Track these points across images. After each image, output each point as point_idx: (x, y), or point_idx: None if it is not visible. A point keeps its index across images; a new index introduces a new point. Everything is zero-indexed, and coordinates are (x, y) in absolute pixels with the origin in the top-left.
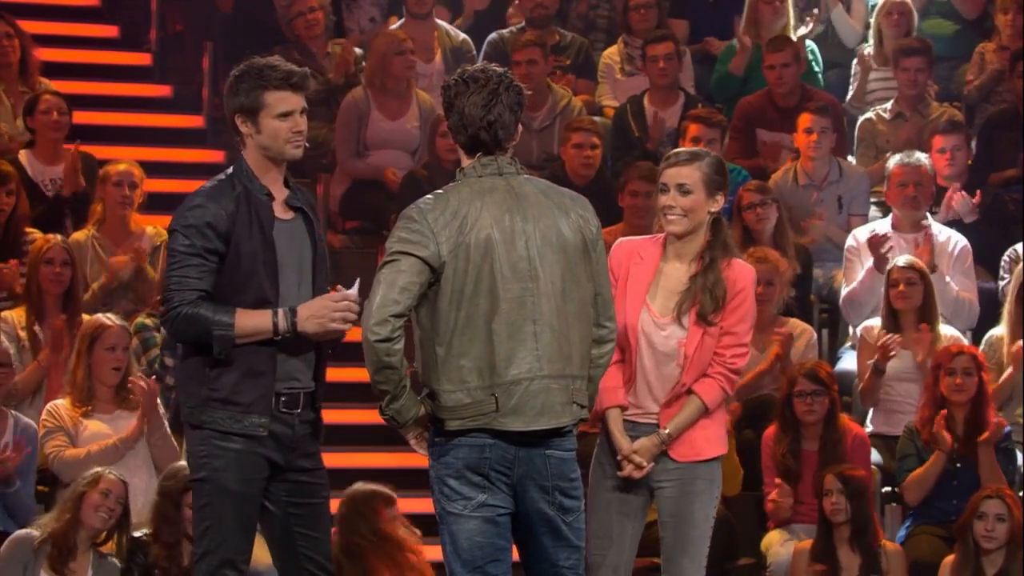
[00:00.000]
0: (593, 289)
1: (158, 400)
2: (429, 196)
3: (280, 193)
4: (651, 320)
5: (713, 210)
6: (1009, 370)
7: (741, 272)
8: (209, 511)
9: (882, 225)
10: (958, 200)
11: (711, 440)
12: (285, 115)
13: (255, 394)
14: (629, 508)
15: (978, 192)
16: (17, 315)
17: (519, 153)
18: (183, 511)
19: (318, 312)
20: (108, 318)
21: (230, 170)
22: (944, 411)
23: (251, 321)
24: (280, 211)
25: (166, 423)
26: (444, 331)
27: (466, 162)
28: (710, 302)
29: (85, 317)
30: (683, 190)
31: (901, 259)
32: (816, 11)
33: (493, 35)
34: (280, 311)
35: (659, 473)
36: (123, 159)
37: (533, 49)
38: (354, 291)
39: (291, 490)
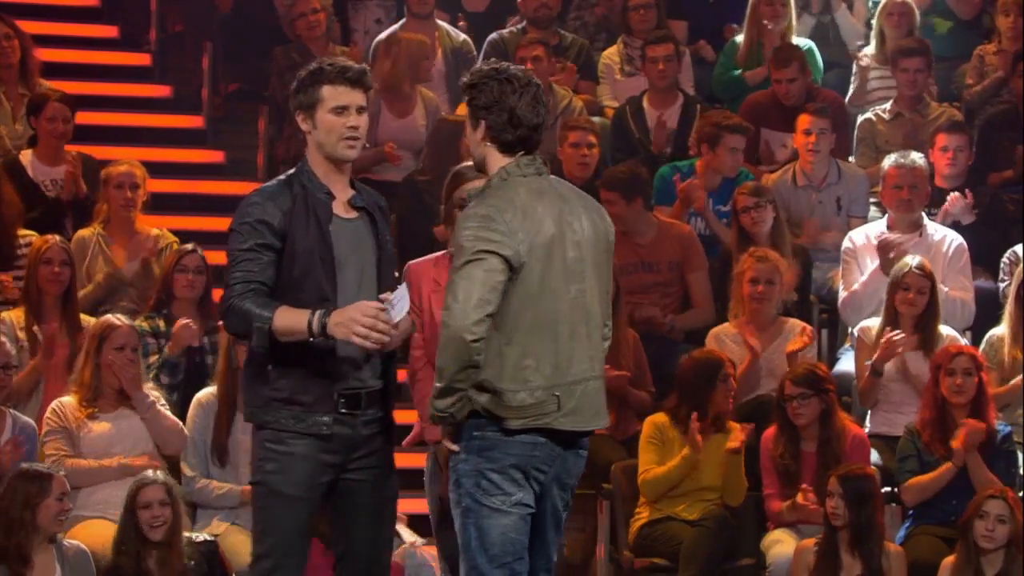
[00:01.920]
0: (608, 289)
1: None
2: (488, 196)
3: (343, 193)
4: None
5: None
6: (1018, 379)
7: (411, 273)
8: (263, 514)
9: (878, 226)
10: (953, 202)
11: None
12: (340, 110)
13: (317, 393)
14: None
15: (968, 192)
16: (16, 316)
17: None
18: (138, 514)
19: (345, 319)
20: (118, 318)
21: (292, 170)
22: (966, 427)
23: (289, 319)
24: (341, 210)
25: (152, 400)
26: (512, 331)
27: (500, 160)
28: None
29: (86, 318)
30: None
31: (912, 261)
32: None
33: (493, 35)
34: (318, 312)
35: None
36: (124, 160)
37: (537, 47)
38: (403, 303)
39: (354, 490)
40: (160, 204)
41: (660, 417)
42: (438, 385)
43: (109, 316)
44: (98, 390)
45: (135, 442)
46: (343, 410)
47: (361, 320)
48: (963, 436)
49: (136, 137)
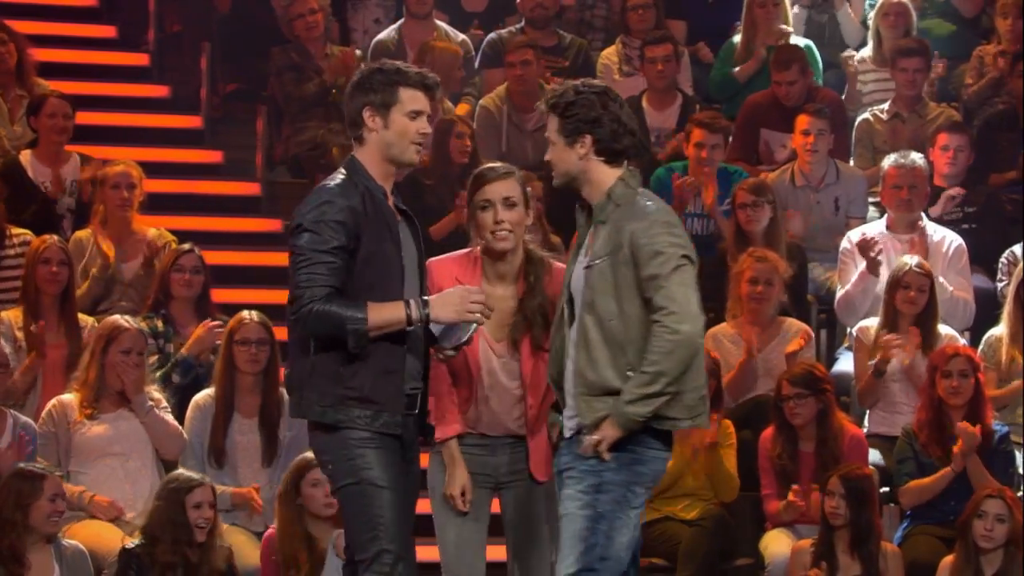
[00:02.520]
0: None
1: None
2: (648, 201)
3: (390, 197)
4: (487, 348)
5: (528, 223)
6: (1017, 382)
7: (557, 276)
8: (368, 512)
9: (876, 226)
10: (947, 202)
11: None
12: (416, 114)
13: (389, 393)
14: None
15: (958, 189)
16: (14, 315)
17: (514, 156)
18: (188, 513)
19: (455, 301)
20: (126, 320)
21: (345, 170)
22: (961, 433)
23: (384, 313)
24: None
25: (151, 404)
26: None
27: (608, 172)
28: (541, 329)
29: (84, 318)
30: (509, 203)
31: (911, 260)
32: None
33: (492, 35)
34: (412, 301)
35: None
36: (121, 160)
37: (526, 51)
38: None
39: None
40: (158, 204)
41: None
42: (648, 390)
43: (117, 318)
44: (101, 391)
45: (132, 445)
46: (406, 410)
47: (471, 299)
48: (961, 443)
49: (134, 137)
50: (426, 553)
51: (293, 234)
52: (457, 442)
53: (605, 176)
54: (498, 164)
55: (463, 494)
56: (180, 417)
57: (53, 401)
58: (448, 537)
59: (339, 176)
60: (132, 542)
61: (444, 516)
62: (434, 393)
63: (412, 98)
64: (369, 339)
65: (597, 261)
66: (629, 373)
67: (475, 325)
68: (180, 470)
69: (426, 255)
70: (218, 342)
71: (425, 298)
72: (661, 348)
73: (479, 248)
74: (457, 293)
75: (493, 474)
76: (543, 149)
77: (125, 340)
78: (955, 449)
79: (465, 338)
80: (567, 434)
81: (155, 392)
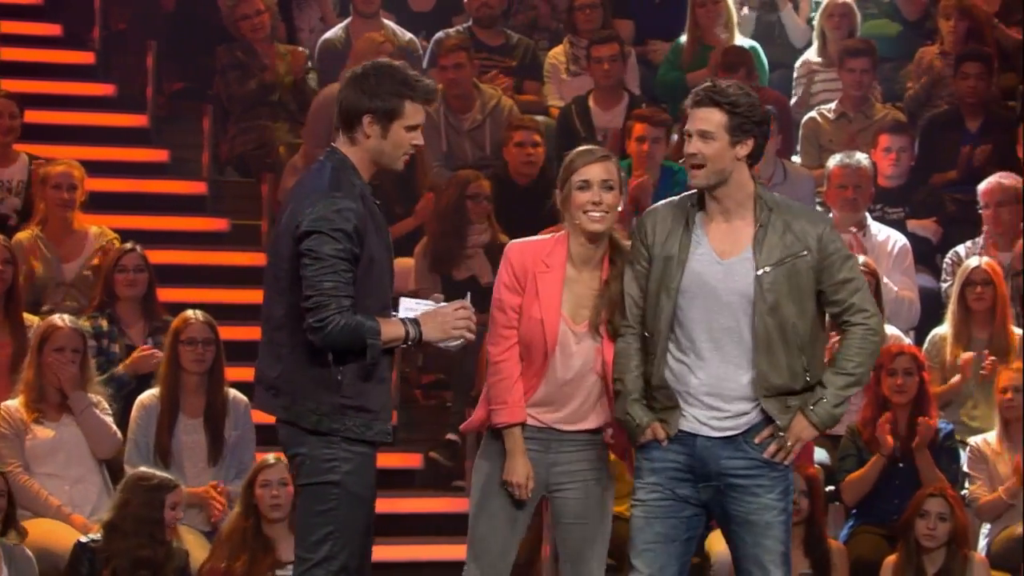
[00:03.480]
0: None
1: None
2: (795, 204)
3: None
4: (568, 330)
5: (620, 209)
6: (957, 377)
7: None
8: (334, 515)
9: None
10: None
11: None
12: (413, 128)
13: (382, 401)
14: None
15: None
16: None
17: (455, 156)
18: (164, 513)
19: (441, 323)
20: (61, 319)
21: (334, 165)
22: (888, 415)
23: (390, 329)
24: None
25: (89, 402)
26: None
27: (748, 176)
28: (621, 316)
29: (30, 318)
30: (607, 185)
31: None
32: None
33: (440, 34)
34: (407, 321)
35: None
36: (62, 159)
37: (459, 53)
38: (467, 301)
39: None
40: (104, 203)
41: None
42: (850, 391)
43: (54, 317)
44: (41, 391)
45: (76, 452)
46: None
47: (457, 316)
48: (884, 428)
49: (80, 136)
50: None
51: (308, 238)
52: (520, 430)
53: (747, 179)
54: (595, 147)
55: (527, 482)
56: (127, 418)
57: (1, 407)
58: (479, 523)
59: (337, 175)
60: (88, 536)
61: (482, 501)
62: (502, 376)
63: (414, 113)
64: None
65: (777, 265)
66: (807, 376)
67: (461, 341)
68: (146, 468)
69: None
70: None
71: (415, 318)
72: (866, 349)
73: (564, 231)
74: (443, 313)
75: (543, 473)
76: (481, 147)
77: (58, 338)
78: (884, 433)
79: (454, 347)
80: (724, 433)
81: (98, 392)
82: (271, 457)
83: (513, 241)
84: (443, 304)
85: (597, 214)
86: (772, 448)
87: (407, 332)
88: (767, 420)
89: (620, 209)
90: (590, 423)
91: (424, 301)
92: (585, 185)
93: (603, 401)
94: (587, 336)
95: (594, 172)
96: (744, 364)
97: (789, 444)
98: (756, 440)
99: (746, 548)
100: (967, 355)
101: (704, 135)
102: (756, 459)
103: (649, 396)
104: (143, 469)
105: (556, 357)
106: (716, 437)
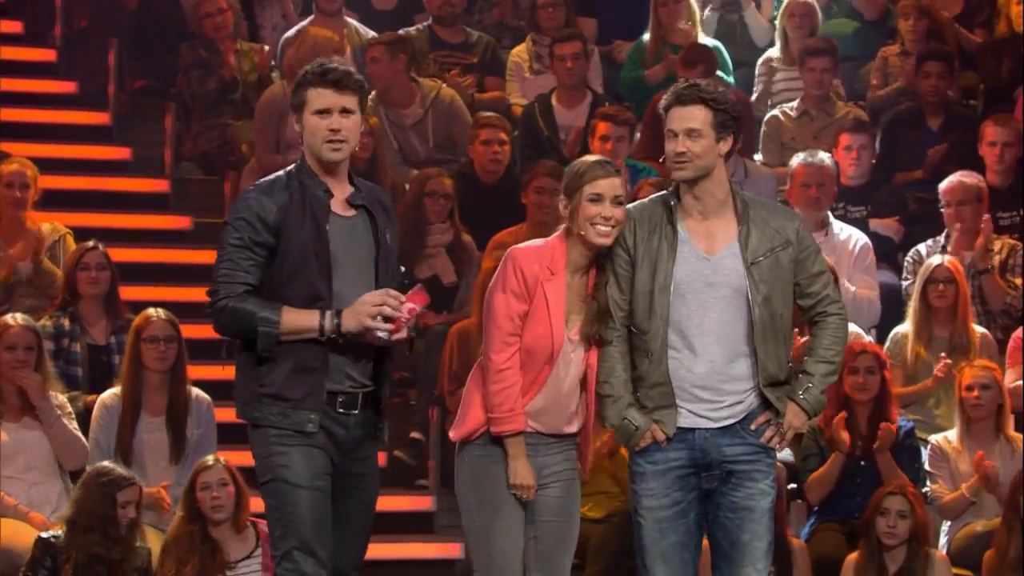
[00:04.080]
0: None
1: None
2: (766, 199)
3: (342, 191)
4: (567, 338)
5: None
6: (928, 382)
7: None
8: (281, 512)
9: None
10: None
11: None
12: (322, 112)
13: (305, 390)
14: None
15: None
16: None
17: (408, 154)
18: (115, 510)
19: (356, 309)
20: (13, 318)
21: (292, 167)
22: (843, 413)
23: (298, 320)
24: (339, 208)
25: (58, 413)
26: None
27: (724, 171)
28: (607, 323)
29: None
30: (617, 201)
31: None
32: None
33: (400, 33)
34: (328, 313)
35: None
36: (16, 157)
37: (377, 48)
38: (419, 296)
39: (339, 487)
40: (66, 201)
41: None
42: (832, 379)
43: (6, 316)
44: None
45: (35, 456)
46: (340, 410)
47: (370, 301)
48: (878, 442)
49: (41, 133)
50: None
51: (222, 230)
52: (523, 437)
53: (725, 176)
54: (607, 160)
55: (534, 483)
56: (86, 416)
57: None
58: (495, 536)
59: (278, 173)
60: (50, 532)
61: (491, 514)
62: (507, 384)
63: (317, 97)
64: (279, 342)
65: (764, 257)
66: (789, 364)
67: (418, 307)
68: (107, 463)
69: None
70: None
71: (341, 310)
72: (841, 339)
73: (562, 235)
74: (361, 301)
75: (535, 475)
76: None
77: (9, 337)
78: (840, 433)
79: (385, 336)
80: (722, 423)
81: (55, 389)
82: (209, 459)
83: (516, 247)
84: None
85: (606, 228)
86: (768, 433)
87: (322, 324)
88: (760, 407)
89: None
90: (574, 427)
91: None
92: (598, 199)
93: (582, 406)
94: (579, 344)
95: (609, 187)
96: (735, 355)
97: (783, 430)
98: (752, 427)
99: (741, 535)
100: (943, 363)
101: (691, 132)
102: (754, 444)
103: (641, 395)
104: (103, 464)
105: (559, 363)
106: (715, 428)
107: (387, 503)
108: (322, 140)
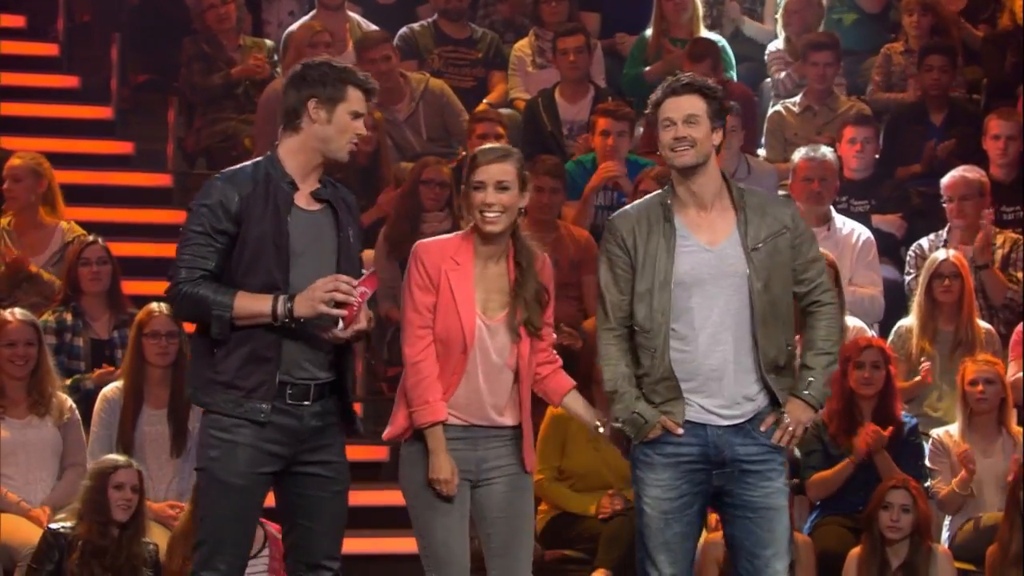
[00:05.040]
0: None
1: None
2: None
3: (308, 185)
4: (482, 324)
5: (522, 206)
6: (917, 379)
7: (546, 265)
8: (204, 501)
9: None
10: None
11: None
12: (357, 115)
13: (258, 380)
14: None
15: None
16: None
17: (403, 148)
18: (108, 493)
19: (307, 294)
20: (12, 313)
21: (260, 157)
22: (872, 428)
23: (250, 304)
24: (304, 201)
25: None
26: None
27: (716, 163)
28: (536, 309)
29: None
30: (501, 186)
31: None
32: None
33: (404, 29)
34: (281, 297)
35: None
36: (27, 151)
37: (386, 46)
38: (370, 283)
39: (298, 482)
40: (69, 195)
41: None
42: (833, 368)
43: (5, 311)
44: (1, 388)
45: (36, 454)
46: (290, 401)
47: (321, 286)
48: (864, 437)
49: (44, 128)
50: (395, 545)
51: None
52: (442, 428)
53: (717, 168)
54: (497, 145)
55: (451, 478)
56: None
57: None
58: (435, 530)
59: (245, 163)
60: (58, 524)
61: (427, 509)
62: (421, 376)
63: (358, 99)
64: (232, 327)
65: (761, 244)
66: (789, 349)
67: (340, 324)
68: (109, 456)
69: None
70: None
71: (294, 294)
72: (836, 328)
73: (470, 227)
74: (312, 287)
75: (474, 470)
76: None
77: (9, 333)
78: (857, 441)
79: (340, 326)
80: (726, 422)
81: (60, 395)
82: None
83: (420, 241)
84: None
85: (491, 215)
86: (778, 434)
87: (274, 309)
88: (770, 407)
89: (524, 204)
90: (508, 419)
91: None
92: (480, 186)
93: (515, 398)
94: (501, 330)
95: (489, 173)
96: (746, 346)
97: (791, 428)
98: (762, 428)
99: (762, 534)
100: (926, 365)
101: (690, 119)
102: (766, 444)
103: (647, 391)
104: (105, 456)
105: (475, 352)
106: (727, 425)
107: (391, 497)
108: (348, 140)
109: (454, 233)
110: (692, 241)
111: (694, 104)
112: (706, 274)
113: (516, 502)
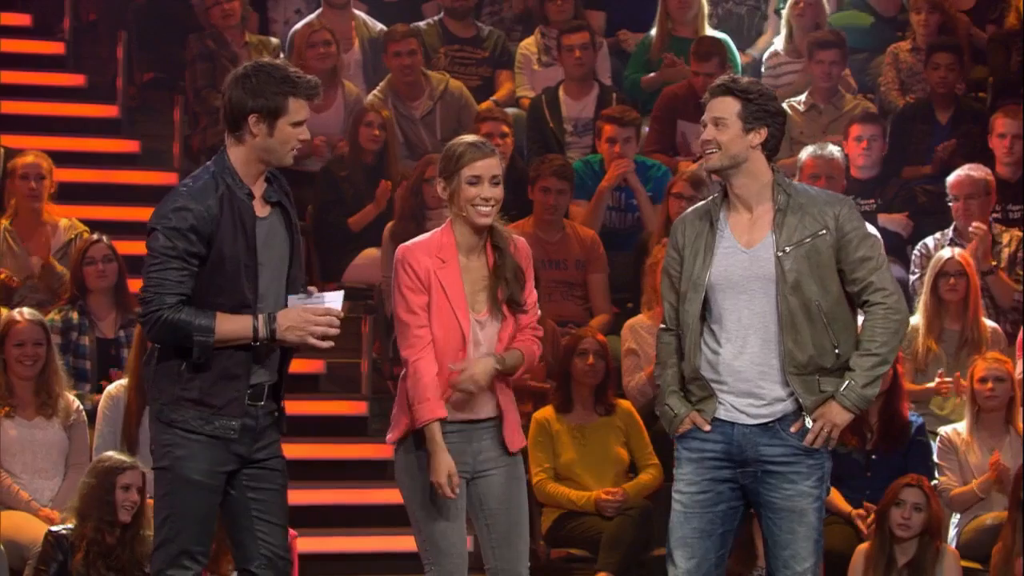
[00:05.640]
0: None
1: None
2: (815, 191)
3: (259, 189)
4: (474, 320)
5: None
6: (930, 385)
7: (523, 245)
8: (168, 500)
9: None
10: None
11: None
12: (298, 124)
13: (228, 397)
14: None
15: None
16: None
17: (414, 145)
18: (115, 493)
19: (299, 324)
20: (20, 313)
21: (211, 166)
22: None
23: (232, 327)
24: (259, 208)
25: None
26: None
27: (766, 165)
28: (517, 287)
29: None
30: (495, 181)
31: None
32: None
33: (412, 25)
34: (261, 317)
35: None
36: (31, 150)
37: (410, 40)
38: (338, 305)
39: (252, 476)
40: (75, 194)
41: (545, 412)
42: (879, 371)
43: (14, 311)
44: (10, 387)
45: (43, 455)
46: (248, 402)
47: (316, 321)
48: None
49: (50, 126)
50: (403, 543)
51: (149, 235)
52: (440, 426)
53: (764, 169)
54: (480, 139)
55: (450, 479)
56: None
57: None
58: (432, 524)
59: (201, 175)
60: (59, 526)
61: (425, 507)
62: (419, 376)
63: (298, 108)
64: (214, 350)
65: (797, 245)
66: (836, 351)
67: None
68: (110, 452)
69: (345, 246)
70: None
71: (273, 314)
72: (889, 328)
73: (448, 223)
74: (302, 317)
75: (471, 462)
76: (434, 134)
77: (18, 334)
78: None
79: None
80: (754, 421)
81: (68, 395)
82: None
83: (402, 245)
84: (314, 297)
85: (486, 208)
86: (810, 436)
87: (256, 329)
88: (798, 410)
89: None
90: (493, 409)
91: (304, 296)
92: (476, 180)
93: (496, 386)
94: (489, 322)
95: (485, 167)
96: (774, 348)
97: (825, 430)
98: (792, 429)
99: (780, 535)
100: (947, 383)
101: (717, 122)
102: (794, 446)
103: (688, 389)
104: (106, 453)
105: (470, 347)
106: (753, 425)
107: (398, 495)
108: (291, 149)
109: (431, 232)
110: (730, 243)
111: (724, 106)
112: (738, 276)
113: (514, 491)
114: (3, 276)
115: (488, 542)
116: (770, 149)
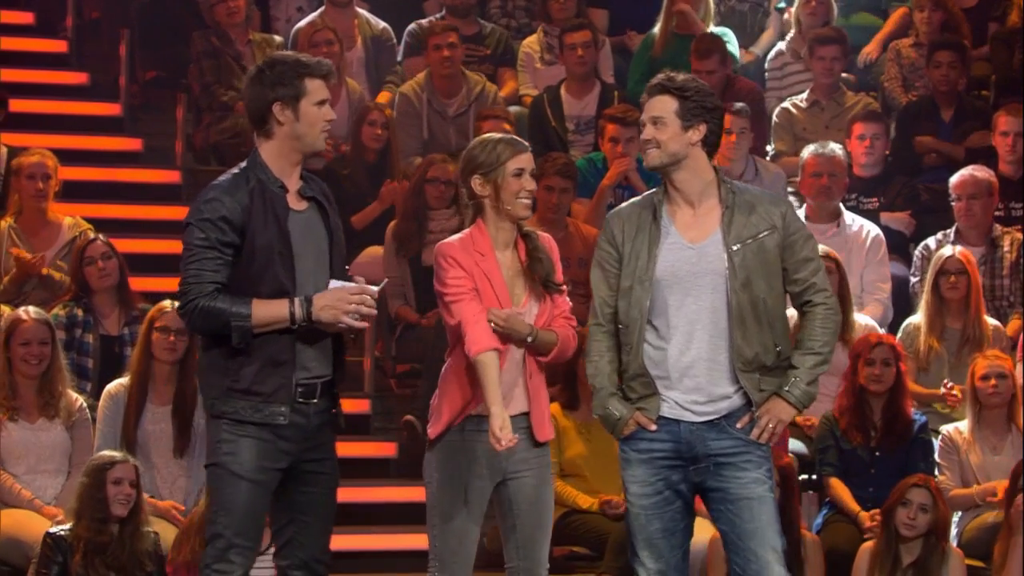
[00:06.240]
0: None
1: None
2: (757, 190)
3: (294, 184)
4: (516, 312)
5: None
6: (936, 391)
7: (547, 239)
8: (217, 496)
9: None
10: None
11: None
12: (322, 103)
13: (276, 384)
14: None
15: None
16: None
17: (437, 142)
18: (106, 489)
19: (332, 302)
20: (26, 312)
21: (244, 164)
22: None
23: (268, 311)
24: (294, 202)
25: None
26: None
27: (707, 163)
28: (552, 266)
29: (5, 310)
30: (534, 175)
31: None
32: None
33: (412, 25)
34: (296, 300)
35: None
36: (36, 149)
37: (451, 34)
38: (375, 288)
39: (297, 477)
40: (77, 192)
41: (552, 407)
42: (821, 369)
43: (19, 310)
44: (14, 387)
45: (46, 457)
46: (300, 400)
47: (349, 299)
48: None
49: (53, 124)
50: (404, 542)
51: (184, 232)
52: (496, 359)
53: (705, 166)
54: (514, 136)
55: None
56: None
57: None
58: (449, 528)
59: (233, 171)
60: (57, 527)
61: (446, 509)
62: (480, 333)
63: (317, 88)
64: (253, 335)
65: (747, 242)
66: (778, 349)
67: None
68: (104, 451)
69: (347, 244)
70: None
71: (311, 296)
72: (829, 329)
73: (479, 222)
74: (335, 295)
75: (504, 465)
76: (464, 134)
77: (23, 332)
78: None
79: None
80: (700, 419)
81: (72, 393)
82: None
83: (440, 243)
84: (348, 284)
85: (528, 200)
86: (756, 431)
87: (292, 312)
88: (747, 405)
89: None
90: (523, 405)
91: (347, 284)
92: (520, 173)
93: (524, 380)
94: (528, 314)
95: (528, 161)
96: (722, 344)
97: (770, 425)
98: (738, 425)
99: (742, 524)
100: (956, 394)
101: (656, 120)
102: (741, 439)
103: (626, 387)
104: (99, 452)
105: (511, 344)
106: (699, 422)
107: (400, 494)
108: (321, 130)
109: (463, 231)
110: (675, 239)
111: (662, 105)
112: (684, 271)
113: (543, 493)
114: (32, 259)
115: (513, 542)
116: (710, 145)
